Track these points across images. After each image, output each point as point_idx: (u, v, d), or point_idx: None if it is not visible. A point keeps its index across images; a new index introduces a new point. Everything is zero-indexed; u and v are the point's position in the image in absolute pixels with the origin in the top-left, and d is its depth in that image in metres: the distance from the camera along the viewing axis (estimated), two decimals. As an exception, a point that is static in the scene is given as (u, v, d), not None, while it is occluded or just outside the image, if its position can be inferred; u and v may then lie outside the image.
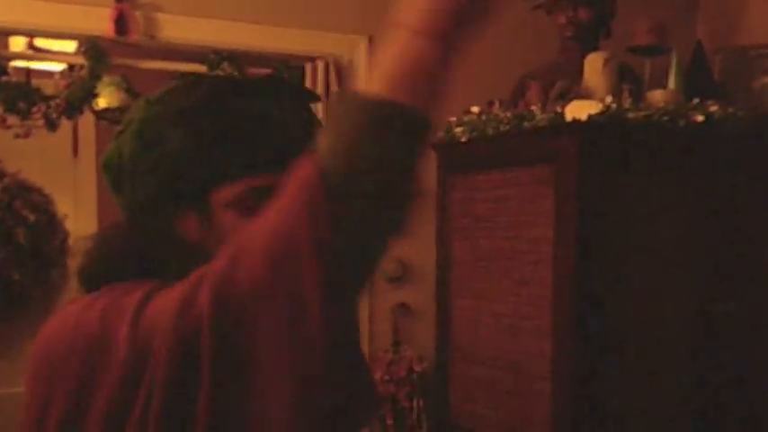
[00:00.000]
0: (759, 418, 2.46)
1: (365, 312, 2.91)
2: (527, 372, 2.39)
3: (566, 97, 2.40)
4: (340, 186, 0.75)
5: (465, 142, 2.59)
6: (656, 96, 2.43)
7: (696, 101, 2.35)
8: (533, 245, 2.36)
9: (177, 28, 2.70)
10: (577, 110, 2.25)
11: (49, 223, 2.21)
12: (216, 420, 0.77)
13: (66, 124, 2.89)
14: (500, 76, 2.82)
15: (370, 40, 2.92)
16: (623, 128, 2.24)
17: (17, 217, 2.12)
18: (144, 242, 0.96)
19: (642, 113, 2.26)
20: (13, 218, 2.11)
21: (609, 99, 2.26)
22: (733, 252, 2.43)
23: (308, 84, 2.86)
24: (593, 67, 2.48)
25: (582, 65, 2.51)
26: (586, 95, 2.40)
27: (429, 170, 2.83)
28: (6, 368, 1.97)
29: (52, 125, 2.76)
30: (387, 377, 2.86)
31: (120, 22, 2.59)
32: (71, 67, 2.94)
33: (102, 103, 2.74)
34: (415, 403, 2.88)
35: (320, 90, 2.82)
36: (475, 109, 2.60)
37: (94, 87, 2.73)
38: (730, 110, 2.35)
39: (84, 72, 2.75)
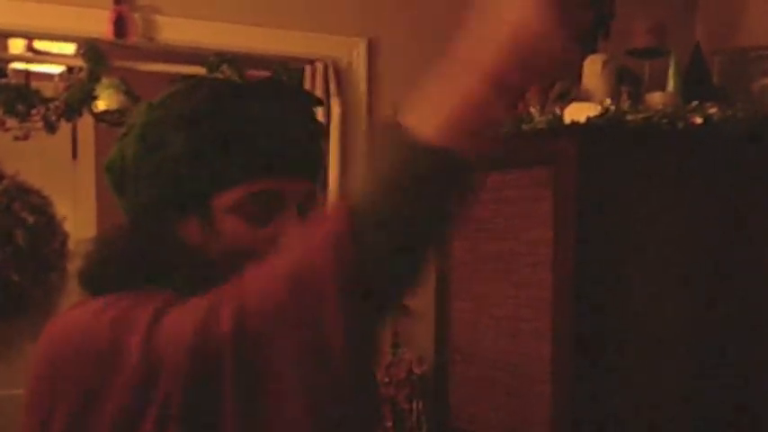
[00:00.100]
0: (759, 419, 2.46)
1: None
2: (527, 374, 2.39)
3: (565, 99, 2.40)
4: (371, 230, 0.74)
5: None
6: (655, 98, 2.43)
7: (695, 103, 2.35)
8: (532, 247, 2.36)
9: (176, 30, 2.70)
10: (576, 112, 2.25)
11: (48, 225, 2.20)
12: None
13: (65, 126, 2.89)
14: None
15: (370, 42, 2.93)
16: (622, 130, 2.24)
17: (16, 219, 2.12)
18: (146, 245, 0.95)
19: (641, 115, 2.27)
20: (11, 220, 2.11)
21: (608, 101, 2.26)
22: (733, 253, 2.43)
23: (307, 86, 2.86)
24: (592, 69, 2.48)
25: (581, 67, 2.51)
26: (585, 97, 2.40)
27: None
28: (5, 370, 1.96)
29: (51, 127, 2.76)
30: (386, 379, 2.86)
31: (119, 25, 2.59)
32: (70, 70, 2.94)
33: (101, 105, 2.74)
34: (414, 405, 2.88)
35: (319, 92, 2.82)
36: (474, 111, 2.60)
37: (93, 89, 2.73)
38: (729, 112, 2.35)
39: (83, 74, 2.75)
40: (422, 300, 2.98)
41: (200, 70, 2.81)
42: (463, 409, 2.66)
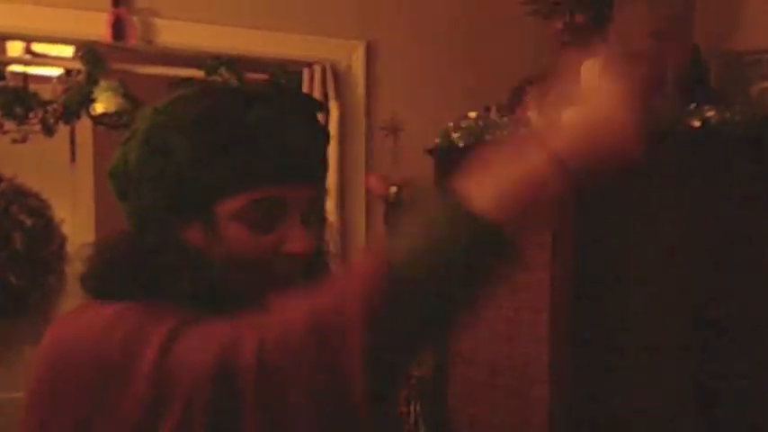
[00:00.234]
0: (759, 419, 2.46)
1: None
2: (525, 375, 2.39)
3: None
4: (405, 288, 0.74)
5: (462, 148, 2.60)
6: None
7: (693, 106, 2.35)
8: (530, 249, 2.35)
9: (174, 33, 2.70)
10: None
11: (46, 228, 2.20)
12: None
13: (63, 129, 2.89)
14: (497, 82, 2.82)
15: (368, 45, 2.93)
16: (620, 132, 2.25)
17: (14, 222, 2.12)
18: (149, 250, 0.95)
19: (639, 118, 2.27)
20: (9, 222, 2.11)
21: (606, 104, 2.26)
22: (732, 253, 2.44)
23: (305, 89, 2.86)
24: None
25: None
26: (583, 100, 2.40)
27: (426, 175, 2.83)
28: (4, 373, 1.96)
29: (49, 130, 2.76)
30: (384, 382, 2.85)
31: (118, 27, 2.59)
32: (68, 72, 2.94)
33: (99, 108, 2.74)
34: (412, 407, 2.87)
35: (318, 95, 2.82)
36: (472, 114, 2.60)
37: (92, 92, 2.74)
38: (727, 115, 2.35)
39: (81, 77, 2.75)
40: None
41: (198, 73, 2.82)
42: (461, 410, 2.66)
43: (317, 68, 2.87)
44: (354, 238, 2.92)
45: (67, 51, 2.88)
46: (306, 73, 2.90)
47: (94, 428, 0.84)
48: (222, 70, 2.78)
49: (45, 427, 0.88)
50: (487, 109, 2.60)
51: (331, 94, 2.85)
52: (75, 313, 0.94)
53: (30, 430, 0.90)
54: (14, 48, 2.98)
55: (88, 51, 2.69)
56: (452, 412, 2.70)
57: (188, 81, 2.85)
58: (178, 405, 0.79)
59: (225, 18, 2.76)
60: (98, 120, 2.79)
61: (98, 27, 2.58)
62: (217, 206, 0.93)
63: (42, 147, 2.88)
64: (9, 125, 2.74)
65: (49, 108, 2.74)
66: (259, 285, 0.95)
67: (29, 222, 2.14)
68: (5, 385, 2.34)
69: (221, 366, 0.78)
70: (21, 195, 2.19)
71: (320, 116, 1.08)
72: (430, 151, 2.74)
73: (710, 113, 2.33)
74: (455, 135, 2.61)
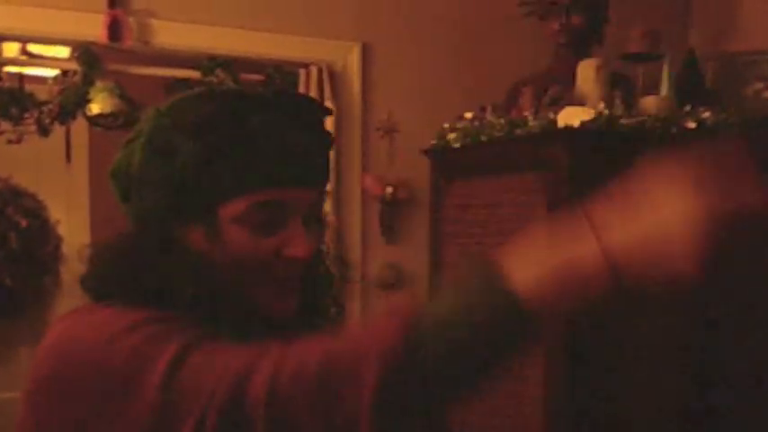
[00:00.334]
0: (759, 419, 2.46)
1: (359, 318, 2.90)
2: (521, 377, 2.39)
3: (558, 104, 2.40)
4: (426, 351, 0.74)
5: (458, 148, 2.60)
6: (649, 103, 2.44)
7: (688, 107, 2.36)
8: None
9: (170, 34, 2.70)
10: (570, 116, 2.26)
11: (42, 228, 2.21)
12: None
13: (58, 130, 2.89)
14: (493, 83, 2.83)
15: (364, 46, 2.93)
16: (615, 134, 2.25)
17: (9, 222, 2.12)
18: (150, 251, 0.94)
19: (634, 120, 2.27)
20: (5, 223, 2.11)
21: (601, 105, 2.27)
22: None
23: (301, 90, 2.86)
24: (586, 73, 2.49)
25: (575, 71, 2.52)
26: (579, 102, 2.40)
27: (422, 175, 2.84)
28: (0, 373, 1.96)
29: (45, 131, 2.76)
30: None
31: (114, 28, 2.59)
32: (64, 73, 2.94)
33: (95, 108, 2.74)
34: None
35: (313, 96, 2.82)
36: (468, 115, 2.61)
37: (87, 93, 2.73)
38: (722, 116, 2.36)
39: (77, 78, 2.75)
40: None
41: (194, 74, 2.82)
42: (458, 413, 2.66)
43: (314, 69, 2.87)
44: (350, 238, 2.92)
45: (63, 52, 2.88)
46: (302, 74, 2.90)
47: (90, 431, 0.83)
48: (218, 71, 2.78)
49: (41, 427, 0.88)
50: (483, 109, 2.61)
51: (327, 94, 2.86)
52: (77, 314, 0.93)
53: (26, 430, 0.90)
54: (10, 48, 2.97)
55: (84, 52, 2.69)
56: (450, 414, 2.70)
57: (184, 82, 2.85)
58: (192, 420, 0.78)
59: (221, 19, 2.76)
60: (94, 120, 2.79)
61: (94, 28, 2.58)
62: (219, 209, 0.93)
63: (38, 147, 2.88)
64: (5, 126, 2.74)
65: (45, 109, 2.74)
66: (260, 288, 0.95)
67: (24, 223, 2.14)
68: (1, 385, 2.34)
69: (232, 395, 0.78)
70: (16, 196, 2.19)
71: (325, 121, 1.07)
72: (426, 152, 2.74)
73: (706, 115, 2.34)
74: (451, 136, 2.61)
